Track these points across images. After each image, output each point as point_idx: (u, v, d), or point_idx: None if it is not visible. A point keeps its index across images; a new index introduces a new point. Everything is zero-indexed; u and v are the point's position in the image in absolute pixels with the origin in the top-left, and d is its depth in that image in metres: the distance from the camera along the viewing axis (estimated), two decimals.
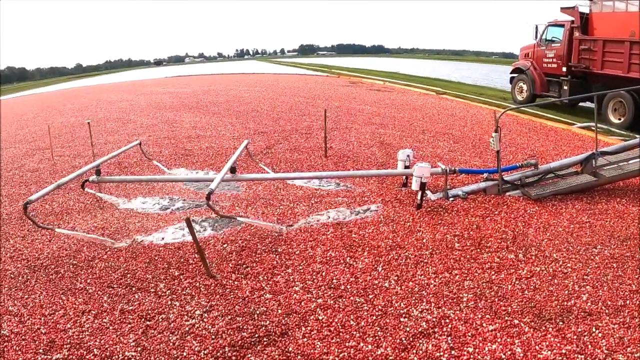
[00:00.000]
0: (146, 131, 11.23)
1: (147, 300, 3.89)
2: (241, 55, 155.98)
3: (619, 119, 12.21)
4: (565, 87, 14.38)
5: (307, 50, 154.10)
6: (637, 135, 10.35)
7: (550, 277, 4.15)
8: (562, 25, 14.57)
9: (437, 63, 66.00)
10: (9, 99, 29.91)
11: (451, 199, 6.00)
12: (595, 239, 4.94)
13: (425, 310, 3.61)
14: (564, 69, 14.43)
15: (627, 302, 3.76)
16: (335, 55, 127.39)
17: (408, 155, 6.43)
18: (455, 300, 3.77)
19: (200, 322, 3.56)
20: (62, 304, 3.90)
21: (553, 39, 15.05)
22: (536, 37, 15.69)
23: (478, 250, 4.63)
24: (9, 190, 7.05)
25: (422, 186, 5.59)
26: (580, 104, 15.40)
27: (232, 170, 6.01)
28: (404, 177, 6.57)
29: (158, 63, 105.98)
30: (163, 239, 5.07)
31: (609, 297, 3.83)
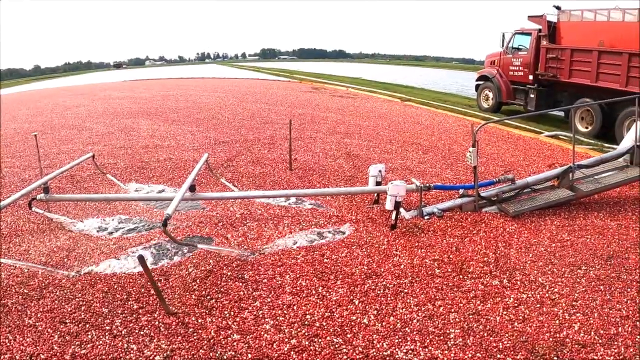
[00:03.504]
0: (102, 140, 10.57)
1: (101, 341, 3.39)
2: (202, 58, 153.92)
3: (586, 128, 12.29)
4: (532, 96, 14.42)
5: (268, 54, 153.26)
6: (606, 145, 10.42)
7: (538, 305, 3.89)
8: (529, 34, 14.60)
9: (398, 68, 66.54)
10: None
11: (426, 217, 5.70)
12: (579, 258, 4.74)
13: (410, 352, 3.26)
14: (531, 77, 14.47)
15: (620, 329, 3.56)
16: (296, 59, 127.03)
17: (380, 171, 6.09)
18: (442, 337, 3.43)
19: None
20: (8, 345, 3.38)
21: (520, 47, 15.09)
22: (503, 44, 15.72)
23: (460, 276, 4.32)
24: None
25: (397, 205, 5.27)
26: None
27: (192, 188, 5.54)
28: (375, 193, 6.24)
29: (118, 66, 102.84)
30: (123, 266, 4.55)
31: (600, 325, 3.61)
